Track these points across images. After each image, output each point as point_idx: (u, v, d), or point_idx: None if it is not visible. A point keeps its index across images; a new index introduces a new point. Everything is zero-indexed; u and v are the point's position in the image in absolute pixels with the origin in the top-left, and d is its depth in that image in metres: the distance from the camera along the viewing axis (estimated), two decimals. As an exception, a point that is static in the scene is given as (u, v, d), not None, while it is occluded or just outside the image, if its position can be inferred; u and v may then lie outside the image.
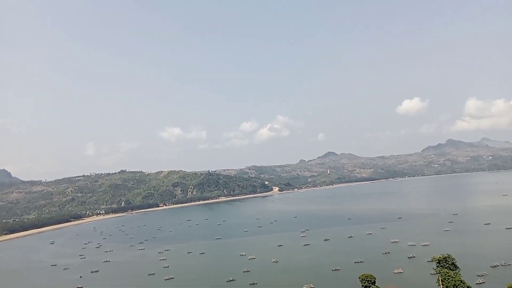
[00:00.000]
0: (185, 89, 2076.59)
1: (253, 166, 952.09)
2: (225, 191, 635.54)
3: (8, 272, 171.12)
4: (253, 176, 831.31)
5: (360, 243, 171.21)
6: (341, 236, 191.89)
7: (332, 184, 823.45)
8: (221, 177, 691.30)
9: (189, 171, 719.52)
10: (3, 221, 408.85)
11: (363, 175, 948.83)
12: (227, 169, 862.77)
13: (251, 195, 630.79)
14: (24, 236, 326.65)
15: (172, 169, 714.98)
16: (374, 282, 78.93)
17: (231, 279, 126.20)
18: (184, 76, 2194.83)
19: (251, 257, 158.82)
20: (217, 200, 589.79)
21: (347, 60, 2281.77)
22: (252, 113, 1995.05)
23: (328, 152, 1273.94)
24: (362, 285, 78.90)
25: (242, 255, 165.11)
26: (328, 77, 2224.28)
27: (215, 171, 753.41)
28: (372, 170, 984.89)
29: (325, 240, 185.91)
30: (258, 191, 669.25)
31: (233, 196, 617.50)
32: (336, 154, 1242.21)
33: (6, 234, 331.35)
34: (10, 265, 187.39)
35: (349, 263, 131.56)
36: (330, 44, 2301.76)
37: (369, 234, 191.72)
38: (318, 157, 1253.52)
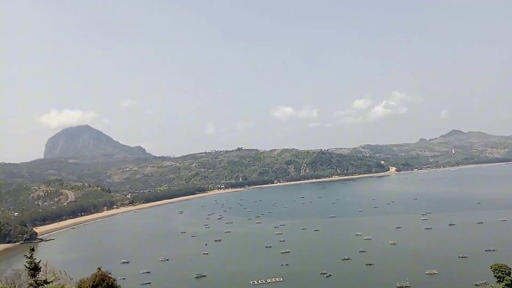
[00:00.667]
0: (296, 67, 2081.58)
1: (367, 145, 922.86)
2: (338, 170, 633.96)
3: (150, 237, 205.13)
4: (367, 155, 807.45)
5: (492, 230, 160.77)
6: (469, 222, 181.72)
7: (458, 165, 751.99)
8: (334, 156, 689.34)
9: (301, 149, 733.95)
10: (141, 191, 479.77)
11: (495, 156, 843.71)
12: (340, 148, 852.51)
13: (365, 175, 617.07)
14: (157, 205, 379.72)
15: (285, 147, 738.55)
16: (510, 273, 75.37)
17: (346, 257, 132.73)
18: (295, 54, 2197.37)
19: (367, 237, 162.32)
20: (330, 178, 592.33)
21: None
22: (366, 90, 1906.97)
23: (453, 130, 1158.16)
24: (495, 275, 76.30)
25: (358, 235, 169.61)
26: (455, 49, 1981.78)
27: (327, 150, 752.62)
28: (507, 150, 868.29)
29: (450, 225, 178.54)
30: (373, 170, 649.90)
31: (346, 175, 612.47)
32: (463, 132, 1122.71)
33: (143, 203, 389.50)
34: (150, 230, 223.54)
35: (478, 251, 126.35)
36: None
37: (504, 221, 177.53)
38: (441, 136, 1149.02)
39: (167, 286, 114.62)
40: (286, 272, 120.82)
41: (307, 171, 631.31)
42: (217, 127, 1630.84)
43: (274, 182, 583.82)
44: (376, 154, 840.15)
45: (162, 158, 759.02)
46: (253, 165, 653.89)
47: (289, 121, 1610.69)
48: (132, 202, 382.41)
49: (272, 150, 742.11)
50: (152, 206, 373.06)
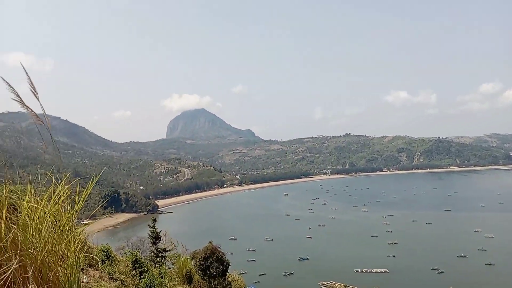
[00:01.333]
0: (411, 49, 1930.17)
1: (495, 134, 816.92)
2: (457, 160, 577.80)
3: (256, 217, 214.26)
4: (494, 145, 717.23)
5: None
6: None
7: None
8: (453, 144, 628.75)
9: (415, 137, 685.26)
10: (249, 172, 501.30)
11: None
12: (461, 137, 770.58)
13: (490, 167, 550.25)
14: (264, 187, 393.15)
15: (397, 134, 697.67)
16: None
17: (462, 255, 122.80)
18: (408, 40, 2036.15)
19: (488, 235, 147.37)
20: (448, 169, 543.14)
21: None
22: (495, 72, 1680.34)
23: None
24: None
25: (477, 231, 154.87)
26: None
27: (445, 138, 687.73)
28: None
29: None
30: (500, 162, 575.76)
31: (467, 167, 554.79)
32: None
33: (251, 183, 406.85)
34: (256, 211, 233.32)
35: None
36: None
37: None
38: None
39: (271, 265, 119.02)
40: (392, 264, 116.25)
41: (421, 160, 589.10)
42: (325, 112, 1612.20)
43: (383, 170, 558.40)
44: (504, 145, 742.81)
45: (270, 142, 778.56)
46: (361, 152, 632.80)
47: (403, 106, 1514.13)
48: (241, 183, 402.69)
49: (382, 137, 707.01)
50: (259, 188, 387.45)
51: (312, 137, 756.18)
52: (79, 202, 4.54)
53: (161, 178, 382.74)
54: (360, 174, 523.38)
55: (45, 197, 4.25)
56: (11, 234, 3.61)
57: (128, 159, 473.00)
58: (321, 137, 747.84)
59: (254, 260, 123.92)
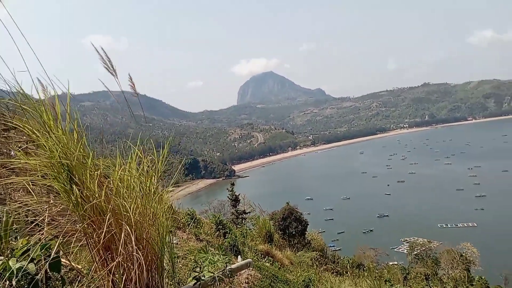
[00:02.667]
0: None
1: None
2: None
3: (331, 176, 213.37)
4: None
5: None
6: None
7: None
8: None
9: (504, 79, 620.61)
10: (321, 132, 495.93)
11: None
12: None
13: None
14: (338, 146, 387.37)
15: (484, 79, 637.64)
16: None
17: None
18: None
19: None
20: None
21: None
22: None
23: None
24: None
25: None
26: None
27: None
28: None
29: None
30: None
31: None
32: None
33: (324, 143, 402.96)
34: (331, 170, 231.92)
35: None
36: None
37: None
38: None
39: (349, 223, 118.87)
40: (481, 218, 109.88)
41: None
42: (400, 62, 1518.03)
43: (468, 119, 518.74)
44: None
45: (342, 99, 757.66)
46: (442, 101, 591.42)
47: (491, 46, 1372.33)
48: (313, 143, 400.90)
49: (466, 83, 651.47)
50: (332, 147, 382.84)
51: (386, 90, 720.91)
52: (159, 165, 4.83)
53: (235, 144, 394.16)
54: (442, 125, 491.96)
55: (130, 165, 4.57)
56: (103, 198, 3.98)
57: (203, 127, 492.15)
58: (397, 89, 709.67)
59: (332, 219, 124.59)
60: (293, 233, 22.75)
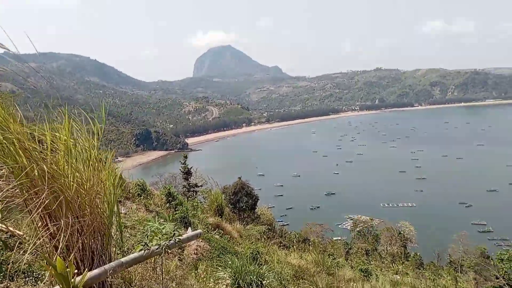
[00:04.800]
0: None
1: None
2: (494, 93, 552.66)
3: (283, 153, 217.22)
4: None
5: None
6: None
7: None
8: (491, 76, 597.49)
9: (450, 69, 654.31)
10: (276, 110, 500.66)
11: None
12: (499, 68, 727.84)
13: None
14: (291, 124, 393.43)
15: (431, 67, 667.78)
16: None
17: (492, 189, 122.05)
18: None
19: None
20: (483, 103, 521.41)
21: None
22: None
23: None
24: None
25: (510, 166, 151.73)
26: None
27: (483, 70, 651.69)
28: None
29: None
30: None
31: (504, 99, 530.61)
32: None
33: (278, 121, 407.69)
34: (284, 148, 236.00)
35: None
36: None
37: None
38: None
39: (298, 200, 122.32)
40: (420, 199, 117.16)
41: (455, 94, 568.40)
42: (355, 45, 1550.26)
43: (415, 105, 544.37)
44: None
45: (298, 78, 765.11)
46: (392, 87, 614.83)
47: (438, 36, 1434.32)
48: (268, 120, 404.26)
49: (415, 70, 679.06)
50: (286, 125, 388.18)
51: (341, 73, 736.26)
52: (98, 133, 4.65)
53: (189, 117, 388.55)
54: (390, 109, 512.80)
55: (63, 130, 4.36)
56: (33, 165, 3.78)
57: (157, 98, 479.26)
58: (351, 72, 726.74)
59: (282, 195, 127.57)
60: (244, 207, 23.06)
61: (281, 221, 73.83)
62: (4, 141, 3.67)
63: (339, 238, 35.82)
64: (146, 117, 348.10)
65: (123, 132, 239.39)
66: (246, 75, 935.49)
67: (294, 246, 17.62)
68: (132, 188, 12.77)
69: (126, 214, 9.48)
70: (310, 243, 21.43)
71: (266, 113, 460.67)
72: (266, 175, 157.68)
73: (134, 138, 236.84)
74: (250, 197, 23.66)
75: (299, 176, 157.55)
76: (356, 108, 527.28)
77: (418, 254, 33.17)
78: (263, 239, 15.31)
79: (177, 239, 5.08)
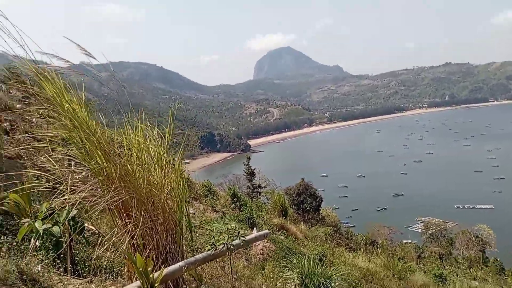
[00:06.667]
0: None
1: None
2: None
3: (347, 154, 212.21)
4: None
5: None
6: None
7: None
8: None
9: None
10: (338, 110, 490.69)
11: None
12: None
13: None
14: (354, 124, 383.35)
15: (508, 60, 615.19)
16: None
17: None
18: None
19: None
20: None
21: None
22: None
23: None
24: None
25: None
26: None
27: None
28: None
29: None
30: None
31: None
32: None
33: (340, 121, 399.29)
34: (347, 148, 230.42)
35: None
36: None
37: None
38: None
39: (363, 201, 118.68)
40: (498, 200, 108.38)
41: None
42: (419, 41, 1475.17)
43: (490, 100, 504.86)
44: None
45: (360, 77, 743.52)
46: (463, 82, 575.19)
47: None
48: (330, 120, 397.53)
49: (489, 64, 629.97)
50: (349, 125, 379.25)
51: (406, 69, 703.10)
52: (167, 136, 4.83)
53: (251, 119, 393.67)
54: (462, 106, 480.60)
55: (137, 134, 4.58)
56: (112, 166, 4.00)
57: (219, 101, 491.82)
58: (417, 68, 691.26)
59: (346, 196, 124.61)
60: (308, 208, 22.85)
61: (347, 222, 72.20)
62: (88, 143, 3.95)
63: (409, 241, 34.19)
64: (210, 120, 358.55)
65: (188, 135, 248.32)
66: (306, 76, 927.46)
67: (362, 249, 17.10)
68: (199, 189, 13.20)
69: (194, 214, 9.79)
70: (378, 246, 20.68)
71: (327, 113, 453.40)
72: (329, 176, 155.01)
73: (198, 141, 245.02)
74: (314, 198, 23.41)
75: (364, 176, 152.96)
76: (424, 106, 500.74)
77: (498, 259, 30.61)
78: (328, 241, 15.04)
79: (242, 239, 5.13)
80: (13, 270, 3.16)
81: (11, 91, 15.45)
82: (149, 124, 4.56)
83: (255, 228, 10.07)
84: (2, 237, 4.57)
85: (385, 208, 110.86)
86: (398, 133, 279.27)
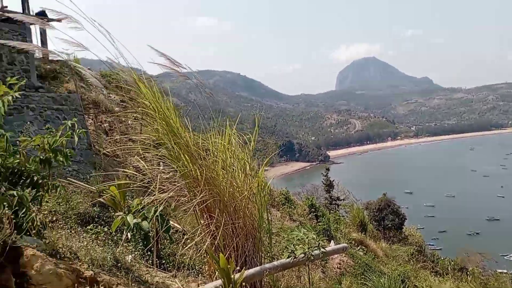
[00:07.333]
0: None
1: None
2: None
3: (435, 171, 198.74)
4: None
5: None
6: None
7: None
8: None
9: None
10: (426, 124, 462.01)
11: None
12: None
13: None
14: (444, 140, 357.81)
15: None
16: None
17: None
18: None
19: None
20: None
21: None
22: None
23: None
24: None
25: None
26: None
27: None
28: None
29: None
30: None
31: None
32: None
33: (428, 136, 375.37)
34: (435, 164, 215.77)
35: None
36: None
37: None
38: None
39: (452, 223, 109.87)
40: None
41: None
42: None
43: None
44: None
45: (452, 90, 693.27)
46: None
47: None
48: (416, 135, 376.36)
49: None
50: (438, 140, 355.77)
51: (506, 83, 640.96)
52: (251, 142, 4.93)
53: (331, 130, 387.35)
54: None
55: (223, 140, 4.75)
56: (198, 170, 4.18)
57: (299, 111, 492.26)
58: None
59: (433, 216, 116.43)
60: (389, 225, 21.79)
61: (433, 244, 67.47)
62: (176, 146, 4.20)
63: (505, 271, 30.80)
64: (289, 129, 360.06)
65: (268, 143, 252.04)
66: (391, 87, 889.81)
67: (449, 274, 15.81)
68: (277, 197, 13.29)
69: (271, 220, 9.86)
70: (468, 273, 18.95)
71: (414, 127, 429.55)
72: (414, 193, 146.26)
73: (278, 149, 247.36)
74: (396, 215, 22.28)
75: (453, 196, 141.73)
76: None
77: None
78: (411, 262, 14.15)
79: (322, 250, 5.04)
80: (110, 258, 3.50)
81: (110, 95, 17.11)
82: (234, 131, 4.72)
83: (332, 241, 9.85)
84: (99, 227, 5.05)
85: (478, 233, 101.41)
86: (496, 152, 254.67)
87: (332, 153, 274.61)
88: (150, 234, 4.89)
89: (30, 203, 3.01)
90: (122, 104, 15.32)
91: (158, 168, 5.43)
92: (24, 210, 2.93)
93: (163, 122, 4.36)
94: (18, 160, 3.02)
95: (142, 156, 5.29)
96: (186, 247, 4.28)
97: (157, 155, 5.09)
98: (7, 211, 2.74)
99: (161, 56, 4.90)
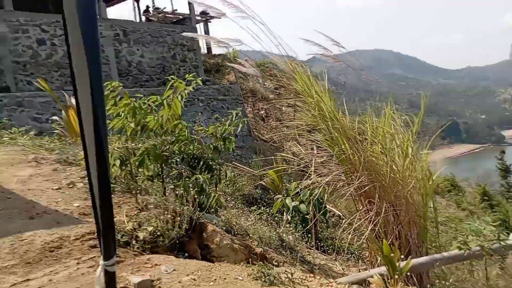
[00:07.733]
0: None
1: None
2: None
3: None
4: None
5: None
6: None
7: None
8: None
9: None
10: None
11: None
12: None
13: None
14: None
15: None
16: None
17: None
18: None
19: None
20: None
21: None
22: None
23: None
24: None
25: None
26: None
27: None
28: None
29: None
30: None
31: None
32: None
33: None
34: None
35: None
36: None
37: None
38: None
39: None
40: None
41: None
42: None
43: None
44: None
45: None
46: None
47: None
48: None
49: None
50: None
51: None
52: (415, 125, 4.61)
53: (506, 106, 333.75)
54: None
55: (383, 123, 4.50)
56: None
57: (464, 86, 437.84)
58: None
59: None
60: None
61: None
62: (333, 130, 4.19)
63: None
64: (453, 107, 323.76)
65: (428, 124, 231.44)
66: None
67: None
68: (441, 183, 12.14)
69: (436, 208, 9.10)
70: None
71: None
72: None
73: (440, 130, 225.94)
74: None
75: None
76: None
77: None
78: None
79: (503, 244, 4.41)
80: (275, 237, 3.78)
81: (265, 83, 18.10)
82: (395, 112, 4.47)
83: (511, 233, 8.52)
84: (261, 208, 5.45)
85: None
86: None
87: (508, 133, 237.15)
88: (308, 217, 5.04)
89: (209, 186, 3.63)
90: (276, 92, 16.06)
91: (313, 153, 5.52)
92: (205, 192, 3.47)
93: (319, 107, 4.40)
94: (200, 148, 3.69)
95: (297, 141, 5.46)
96: (345, 232, 4.27)
97: (311, 140, 5.18)
98: (192, 192, 3.23)
99: (328, 39, 4.91)
